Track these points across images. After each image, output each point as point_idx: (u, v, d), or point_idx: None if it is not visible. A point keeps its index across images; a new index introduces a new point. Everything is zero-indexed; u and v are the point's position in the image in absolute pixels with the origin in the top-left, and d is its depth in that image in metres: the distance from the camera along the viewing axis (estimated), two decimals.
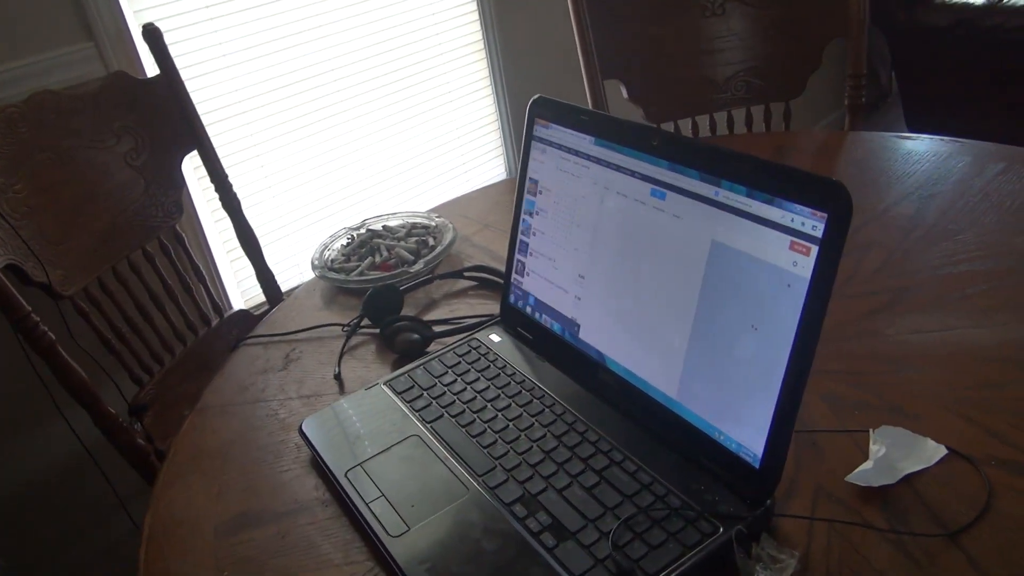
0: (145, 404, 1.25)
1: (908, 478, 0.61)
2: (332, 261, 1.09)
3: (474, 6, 2.04)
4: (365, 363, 0.89)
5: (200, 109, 1.37)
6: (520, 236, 0.83)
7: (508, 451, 0.68)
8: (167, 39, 1.30)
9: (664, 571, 0.55)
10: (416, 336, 0.88)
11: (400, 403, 0.77)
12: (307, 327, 0.97)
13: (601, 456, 0.66)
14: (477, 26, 2.07)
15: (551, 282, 0.79)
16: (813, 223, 0.54)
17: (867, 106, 1.42)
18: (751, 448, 0.59)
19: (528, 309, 0.83)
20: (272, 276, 1.50)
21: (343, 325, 0.96)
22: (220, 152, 1.40)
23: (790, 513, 0.60)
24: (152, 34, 1.28)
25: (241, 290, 1.78)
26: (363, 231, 1.15)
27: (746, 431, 0.59)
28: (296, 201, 1.83)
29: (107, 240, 1.23)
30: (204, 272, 1.42)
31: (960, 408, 0.68)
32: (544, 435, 0.69)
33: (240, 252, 1.48)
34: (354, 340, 0.94)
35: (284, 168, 1.78)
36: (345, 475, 0.69)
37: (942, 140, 1.16)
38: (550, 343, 0.80)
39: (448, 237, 1.08)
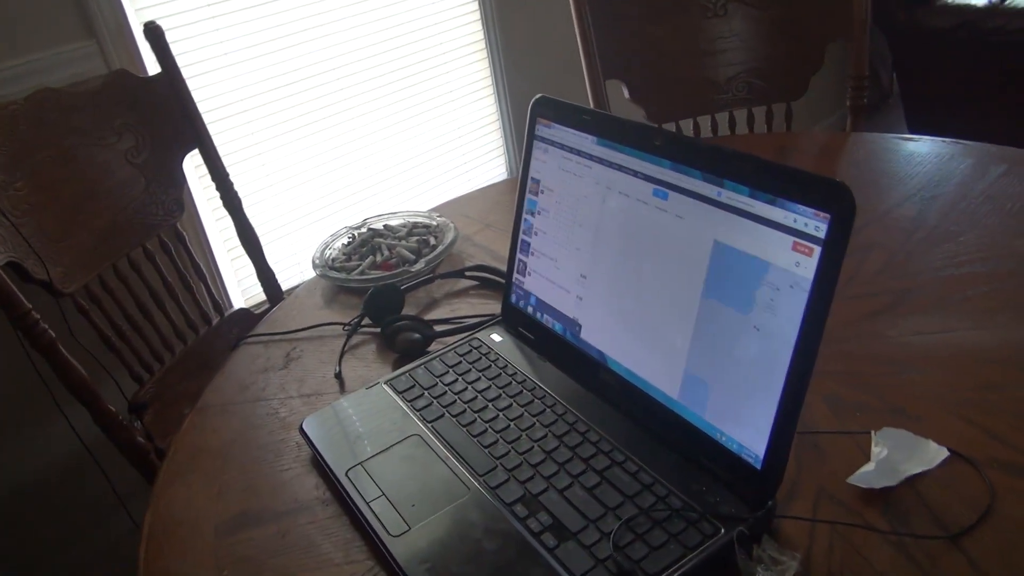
0: (145, 402, 1.24)
1: (910, 480, 0.61)
2: (333, 260, 1.09)
3: (476, 5, 2.04)
4: (366, 362, 0.89)
5: (201, 107, 1.37)
6: (522, 236, 0.83)
7: (509, 451, 0.68)
8: (168, 37, 1.30)
9: (665, 572, 0.55)
10: (417, 335, 0.88)
11: (401, 402, 0.77)
12: (308, 326, 0.97)
13: (602, 456, 0.66)
14: (479, 25, 2.07)
15: (553, 282, 0.79)
16: (816, 224, 0.54)
17: (868, 107, 1.42)
18: (753, 449, 0.59)
19: (529, 309, 0.83)
20: (273, 275, 1.50)
21: (344, 324, 0.96)
22: (221, 150, 1.40)
23: (791, 515, 0.60)
24: (153, 32, 1.28)
25: (241, 289, 1.78)
26: (364, 230, 1.15)
27: (748, 432, 0.59)
28: (297, 200, 1.83)
29: (108, 238, 1.23)
30: (205, 270, 1.42)
31: (961, 410, 0.68)
32: (545, 435, 0.69)
33: (241, 250, 1.48)
34: (355, 339, 0.94)
35: (285, 167, 1.78)
36: (346, 474, 0.69)
37: (944, 142, 1.16)
38: (551, 343, 0.80)
39: (449, 236, 1.08)
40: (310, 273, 1.09)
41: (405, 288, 0.98)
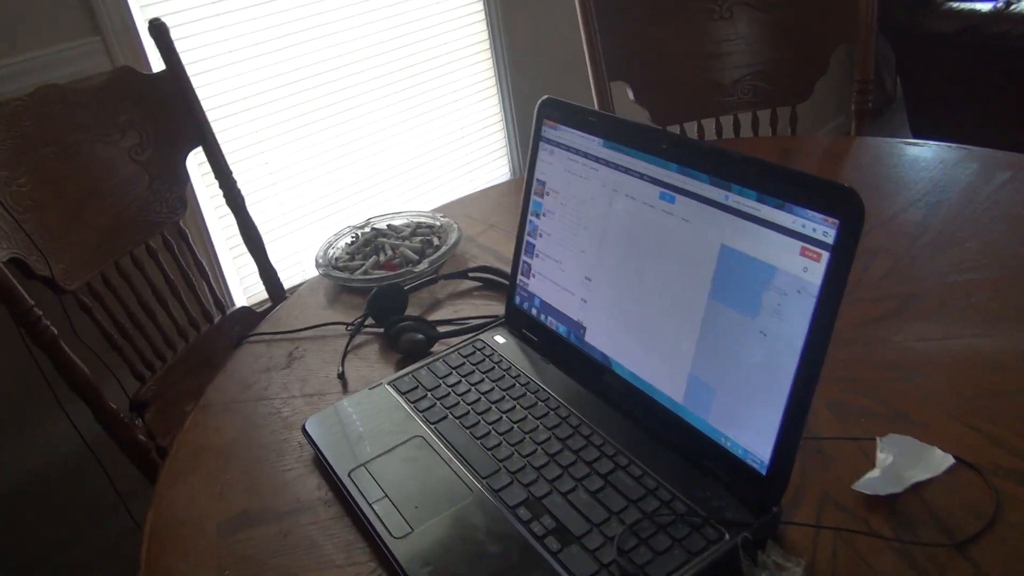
0: (147, 400, 1.24)
1: (915, 487, 0.61)
2: (336, 259, 1.09)
3: (480, 6, 2.04)
4: (369, 363, 0.89)
5: (205, 105, 1.37)
6: (527, 237, 0.83)
7: (512, 453, 0.68)
8: (173, 35, 1.30)
9: None
10: (420, 336, 0.88)
11: (404, 403, 0.77)
12: (310, 325, 0.97)
13: (606, 460, 0.65)
14: (483, 26, 2.07)
15: (557, 284, 0.79)
16: (824, 229, 0.54)
17: (872, 111, 1.42)
18: (758, 454, 0.59)
19: (534, 311, 0.83)
20: (275, 273, 1.50)
21: (347, 324, 0.96)
22: (225, 148, 1.40)
23: (796, 521, 0.60)
24: (158, 29, 1.28)
25: (244, 287, 1.78)
26: (368, 230, 1.15)
27: (753, 437, 0.59)
28: (300, 199, 1.83)
29: (110, 235, 1.22)
30: (207, 268, 1.42)
31: (966, 416, 0.68)
32: (549, 438, 0.69)
33: (243, 249, 1.48)
34: (358, 339, 0.93)
35: (288, 165, 1.78)
36: (348, 475, 0.69)
37: (949, 147, 1.16)
38: (555, 345, 0.80)
39: (453, 237, 1.07)
40: (312, 272, 1.09)
41: (408, 288, 0.98)
